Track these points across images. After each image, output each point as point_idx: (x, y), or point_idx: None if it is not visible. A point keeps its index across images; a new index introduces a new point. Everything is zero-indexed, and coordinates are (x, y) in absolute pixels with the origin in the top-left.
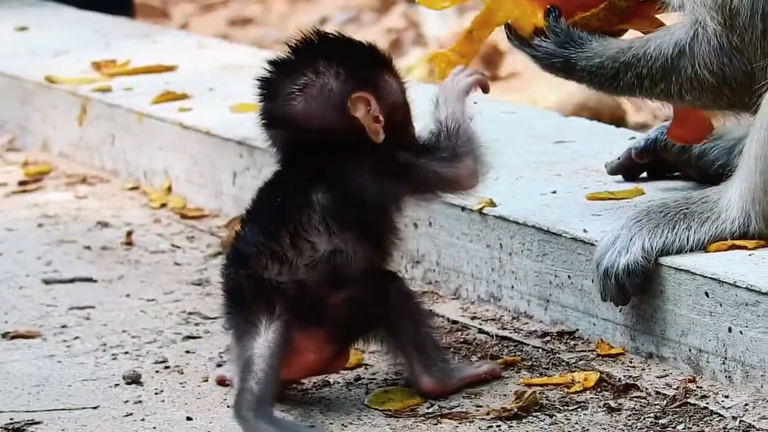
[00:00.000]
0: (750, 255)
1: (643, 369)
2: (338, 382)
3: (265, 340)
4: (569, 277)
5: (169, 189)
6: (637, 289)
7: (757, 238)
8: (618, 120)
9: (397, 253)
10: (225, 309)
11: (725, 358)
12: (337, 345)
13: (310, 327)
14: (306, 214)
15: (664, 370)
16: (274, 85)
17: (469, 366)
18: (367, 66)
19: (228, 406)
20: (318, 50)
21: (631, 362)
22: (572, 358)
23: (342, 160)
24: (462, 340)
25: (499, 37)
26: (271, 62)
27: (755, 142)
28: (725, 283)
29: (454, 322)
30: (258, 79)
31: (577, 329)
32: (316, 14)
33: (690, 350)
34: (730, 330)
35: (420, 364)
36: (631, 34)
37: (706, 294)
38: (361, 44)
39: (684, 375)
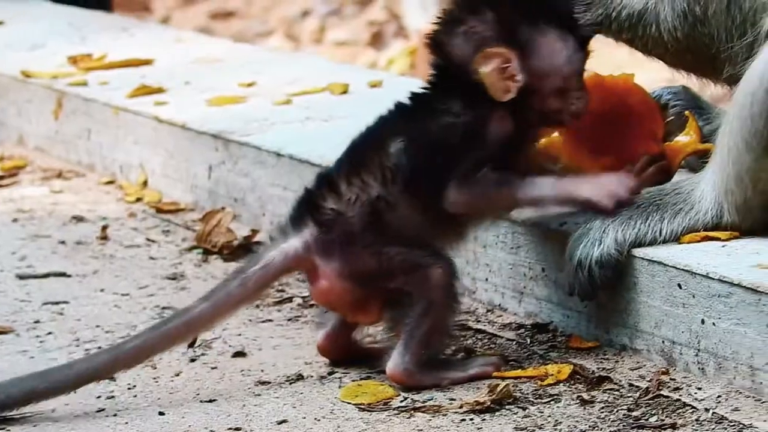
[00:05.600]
0: (723, 246)
1: (616, 361)
2: (311, 377)
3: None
4: (543, 269)
5: (145, 183)
6: (607, 282)
7: (729, 230)
8: None
9: (460, 237)
10: None
11: (698, 350)
12: (360, 290)
13: (331, 258)
14: (375, 156)
15: (638, 363)
16: (448, 14)
17: (457, 369)
18: (531, 21)
19: (201, 401)
20: None
21: (604, 354)
22: (546, 350)
23: (453, 104)
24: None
25: None
26: None
27: (728, 133)
28: (698, 274)
29: None
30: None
31: (551, 321)
32: (298, 7)
33: (663, 342)
34: (703, 322)
35: (400, 348)
36: None
37: (679, 285)
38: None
39: (657, 367)
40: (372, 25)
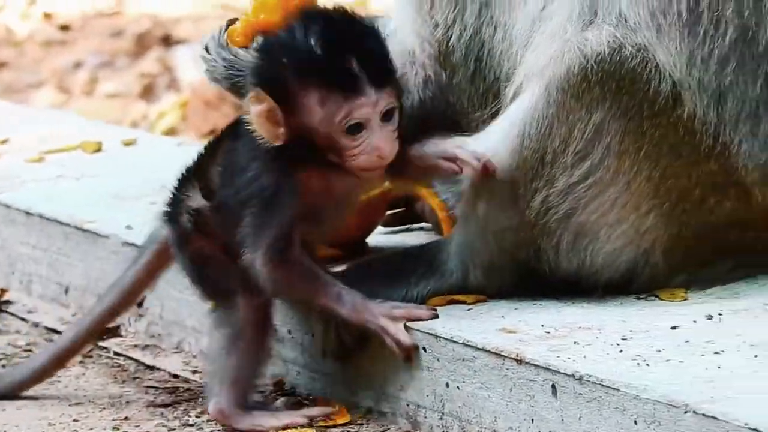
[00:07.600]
0: (468, 310)
1: (361, 424)
2: None
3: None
4: (290, 331)
5: None
6: (356, 343)
7: (475, 292)
8: None
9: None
10: None
11: (443, 414)
12: None
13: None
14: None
15: (383, 426)
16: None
17: (282, 415)
18: (297, 75)
19: None
20: (295, 30)
21: (352, 417)
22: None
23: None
24: (185, 394)
25: None
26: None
27: (472, 192)
28: (442, 338)
29: (176, 376)
30: None
31: (298, 384)
32: (70, 58)
33: (408, 405)
34: (447, 385)
35: (215, 385)
36: None
37: (424, 349)
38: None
39: (402, 430)
40: (144, 76)
